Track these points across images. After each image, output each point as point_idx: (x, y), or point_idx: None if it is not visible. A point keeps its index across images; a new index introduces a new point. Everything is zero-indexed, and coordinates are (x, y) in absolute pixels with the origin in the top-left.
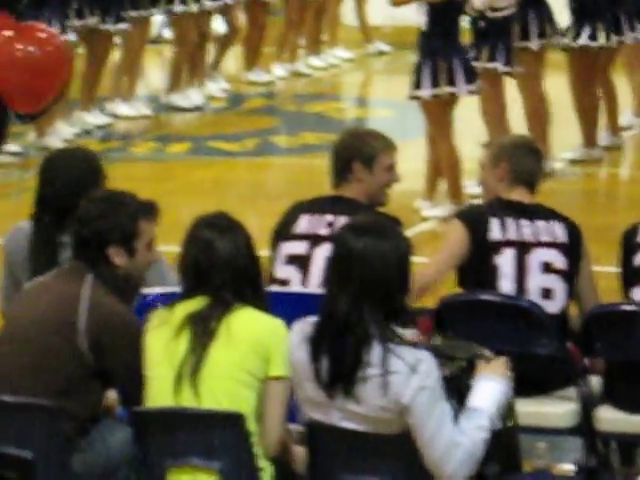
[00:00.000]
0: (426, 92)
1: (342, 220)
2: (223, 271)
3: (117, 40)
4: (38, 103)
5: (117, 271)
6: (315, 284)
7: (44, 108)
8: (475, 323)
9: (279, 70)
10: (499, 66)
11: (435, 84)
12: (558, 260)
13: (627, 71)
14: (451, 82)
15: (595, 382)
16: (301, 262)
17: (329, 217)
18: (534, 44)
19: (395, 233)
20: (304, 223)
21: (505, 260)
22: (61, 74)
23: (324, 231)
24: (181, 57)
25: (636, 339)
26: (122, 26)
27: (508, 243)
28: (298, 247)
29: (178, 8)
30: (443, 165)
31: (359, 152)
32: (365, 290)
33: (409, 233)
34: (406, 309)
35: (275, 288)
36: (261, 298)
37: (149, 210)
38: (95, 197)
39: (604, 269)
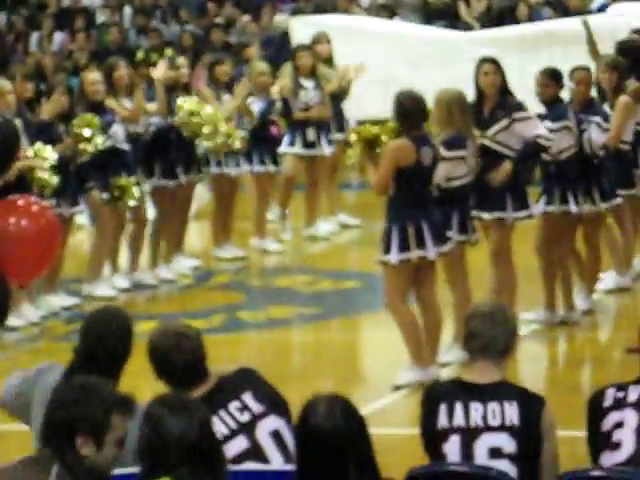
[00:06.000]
0: (394, 257)
1: (247, 397)
2: (176, 449)
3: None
4: (32, 276)
5: (84, 461)
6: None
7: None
8: None
9: (253, 246)
10: (454, 235)
11: (404, 248)
12: (508, 444)
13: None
14: (420, 245)
15: None
16: (255, 453)
17: (235, 403)
18: (509, 217)
19: (348, 402)
20: (221, 427)
21: (452, 448)
22: (54, 247)
23: (244, 417)
24: (101, 247)
25: None
26: (77, 209)
27: (454, 430)
28: (239, 444)
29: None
30: (403, 331)
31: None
32: (363, 463)
33: (378, 404)
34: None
35: (230, 467)
36: (219, 476)
37: (125, 405)
38: (75, 382)
39: (569, 433)
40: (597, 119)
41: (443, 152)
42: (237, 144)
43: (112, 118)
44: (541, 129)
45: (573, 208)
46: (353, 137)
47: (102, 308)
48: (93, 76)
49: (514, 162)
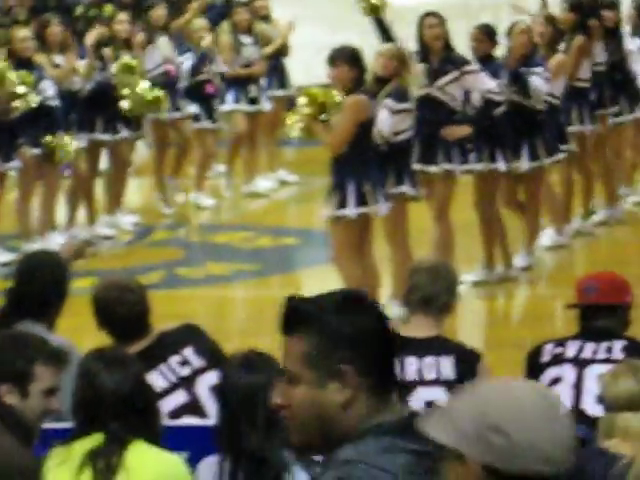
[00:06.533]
0: (352, 211)
1: (188, 351)
2: (110, 404)
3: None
4: None
5: (13, 410)
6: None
7: None
8: None
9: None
10: (407, 190)
11: (362, 203)
12: (442, 398)
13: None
14: (375, 200)
15: None
16: (194, 407)
17: (176, 357)
18: (457, 169)
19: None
20: (160, 380)
21: None
22: None
23: (184, 371)
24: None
25: None
26: (11, 165)
27: None
28: (178, 398)
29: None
30: (348, 287)
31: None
32: (273, 420)
33: None
34: None
35: (168, 421)
36: (153, 431)
37: (53, 357)
38: (6, 333)
39: None
40: (538, 70)
41: (392, 104)
42: (162, 109)
43: (41, 74)
44: (490, 84)
45: (501, 166)
46: (303, 99)
47: (34, 251)
48: (23, 33)
49: (468, 121)
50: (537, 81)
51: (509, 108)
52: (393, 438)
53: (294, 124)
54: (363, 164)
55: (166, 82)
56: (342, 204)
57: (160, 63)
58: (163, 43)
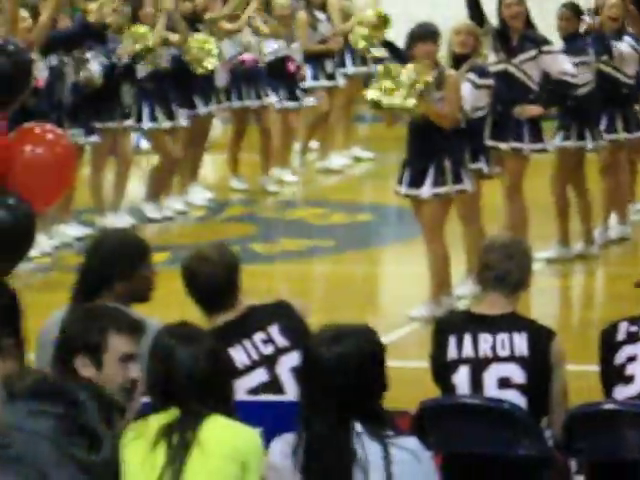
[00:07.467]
0: (452, 188)
1: (274, 330)
2: (185, 380)
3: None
4: (46, 205)
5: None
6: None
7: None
8: (456, 426)
9: (265, 180)
10: (483, 167)
11: (460, 180)
12: (517, 375)
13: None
14: (468, 178)
15: None
16: (273, 387)
17: (261, 335)
18: (526, 148)
19: (361, 333)
20: (243, 357)
21: (461, 378)
22: (70, 174)
23: (267, 350)
24: (161, 168)
25: (618, 438)
26: (92, 139)
27: (464, 361)
28: (259, 377)
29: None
30: (435, 264)
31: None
32: (348, 398)
33: (392, 337)
34: (383, 410)
35: (245, 397)
36: (229, 408)
37: (126, 325)
38: (83, 307)
39: (582, 367)
40: (628, 39)
41: (475, 79)
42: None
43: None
44: (567, 65)
45: (589, 144)
46: (411, 74)
47: (105, 229)
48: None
49: (541, 102)
50: (623, 46)
51: (598, 80)
52: (40, 402)
53: (406, 98)
54: (458, 141)
55: (244, 71)
56: (440, 182)
57: (238, 52)
58: (244, 32)
